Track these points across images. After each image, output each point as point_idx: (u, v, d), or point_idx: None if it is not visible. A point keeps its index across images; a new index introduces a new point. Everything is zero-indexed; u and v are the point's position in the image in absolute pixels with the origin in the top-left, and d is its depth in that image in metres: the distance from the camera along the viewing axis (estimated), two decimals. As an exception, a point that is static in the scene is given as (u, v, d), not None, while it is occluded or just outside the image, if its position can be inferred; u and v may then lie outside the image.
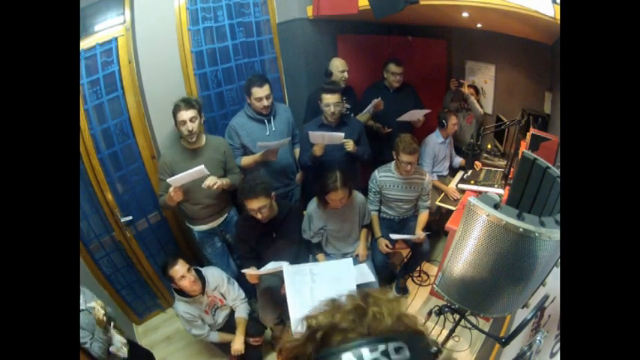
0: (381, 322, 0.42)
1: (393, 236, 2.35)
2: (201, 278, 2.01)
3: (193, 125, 1.96)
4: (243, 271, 2.00)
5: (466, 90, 3.00)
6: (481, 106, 3.09)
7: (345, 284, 1.66)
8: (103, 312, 1.69)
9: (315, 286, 1.75)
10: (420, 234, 2.34)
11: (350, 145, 2.24)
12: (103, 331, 1.69)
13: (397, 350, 0.38)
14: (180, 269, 1.88)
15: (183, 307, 1.96)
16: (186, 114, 1.93)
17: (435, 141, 2.88)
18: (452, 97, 3.21)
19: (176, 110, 1.94)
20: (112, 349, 1.70)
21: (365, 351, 0.38)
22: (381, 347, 0.38)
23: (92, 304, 1.72)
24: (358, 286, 1.83)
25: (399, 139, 2.25)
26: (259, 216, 1.93)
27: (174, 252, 2.52)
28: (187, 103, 1.94)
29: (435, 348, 0.42)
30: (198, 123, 1.99)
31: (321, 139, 2.17)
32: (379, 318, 0.43)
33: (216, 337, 2.10)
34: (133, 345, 1.95)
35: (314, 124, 2.36)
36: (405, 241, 2.54)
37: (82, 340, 1.60)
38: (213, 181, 1.96)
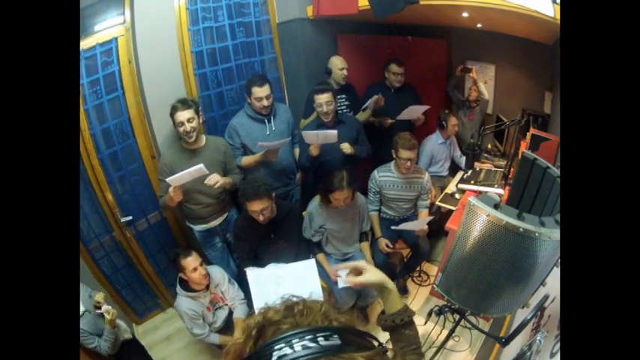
0: (308, 316, 0.46)
1: (395, 227, 2.32)
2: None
3: (192, 125, 1.96)
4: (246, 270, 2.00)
5: (474, 75, 3.02)
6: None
7: (309, 284, 1.65)
8: (108, 309, 1.71)
9: (280, 289, 1.75)
10: (422, 222, 2.29)
11: (347, 148, 2.23)
12: (111, 330, 1.70)
13: (326, 338, 0.40)
14: (192, 261, 1.90)
15: (187, 302, 1.96)
16: (183, 115, 1.94)
17: (435, 141, 2.88)
18: (455, 83, 3.21)
19: (173, 112, 1.95)
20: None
21: (294, 339, 0.39)
22: (309, 335, 0.40)
23: (100, 302, 1.74)
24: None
25: (397, 137, 2.25)
26: (261, 217, 1.92)
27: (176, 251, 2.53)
28: (184, 103, 1.95)
29: (381, 346, 0.43)
30: (197, 122, 2.00)
31: (314, 138, 2.15)
32: (307, 313, 0.46)
33: (216, 338, 2.09)
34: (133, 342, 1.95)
35: (312, 124, 2.36)
36: (405, 240, 2.53)
37: (91, 345, 1.63)
38: (215, 180, 1.96)
